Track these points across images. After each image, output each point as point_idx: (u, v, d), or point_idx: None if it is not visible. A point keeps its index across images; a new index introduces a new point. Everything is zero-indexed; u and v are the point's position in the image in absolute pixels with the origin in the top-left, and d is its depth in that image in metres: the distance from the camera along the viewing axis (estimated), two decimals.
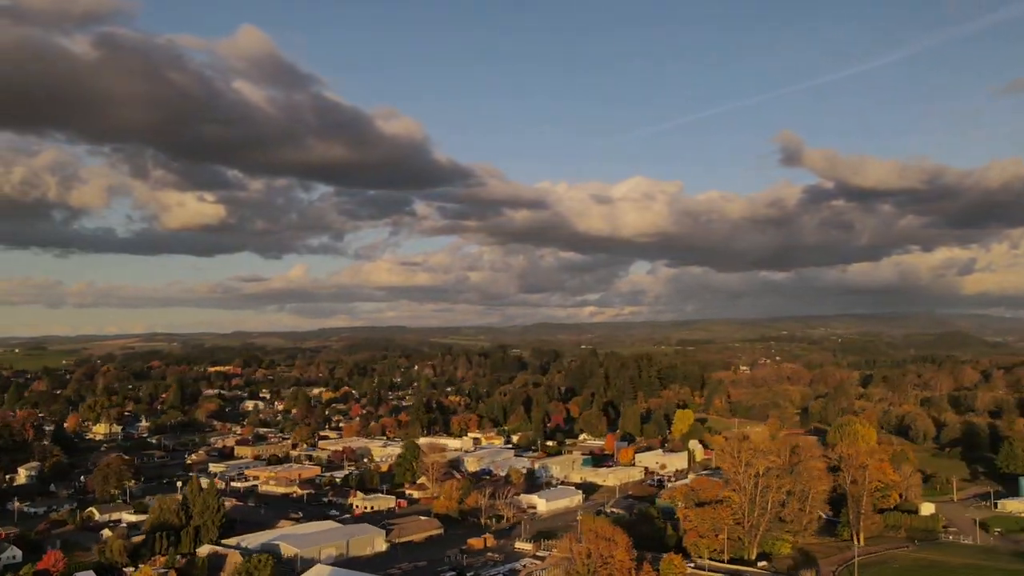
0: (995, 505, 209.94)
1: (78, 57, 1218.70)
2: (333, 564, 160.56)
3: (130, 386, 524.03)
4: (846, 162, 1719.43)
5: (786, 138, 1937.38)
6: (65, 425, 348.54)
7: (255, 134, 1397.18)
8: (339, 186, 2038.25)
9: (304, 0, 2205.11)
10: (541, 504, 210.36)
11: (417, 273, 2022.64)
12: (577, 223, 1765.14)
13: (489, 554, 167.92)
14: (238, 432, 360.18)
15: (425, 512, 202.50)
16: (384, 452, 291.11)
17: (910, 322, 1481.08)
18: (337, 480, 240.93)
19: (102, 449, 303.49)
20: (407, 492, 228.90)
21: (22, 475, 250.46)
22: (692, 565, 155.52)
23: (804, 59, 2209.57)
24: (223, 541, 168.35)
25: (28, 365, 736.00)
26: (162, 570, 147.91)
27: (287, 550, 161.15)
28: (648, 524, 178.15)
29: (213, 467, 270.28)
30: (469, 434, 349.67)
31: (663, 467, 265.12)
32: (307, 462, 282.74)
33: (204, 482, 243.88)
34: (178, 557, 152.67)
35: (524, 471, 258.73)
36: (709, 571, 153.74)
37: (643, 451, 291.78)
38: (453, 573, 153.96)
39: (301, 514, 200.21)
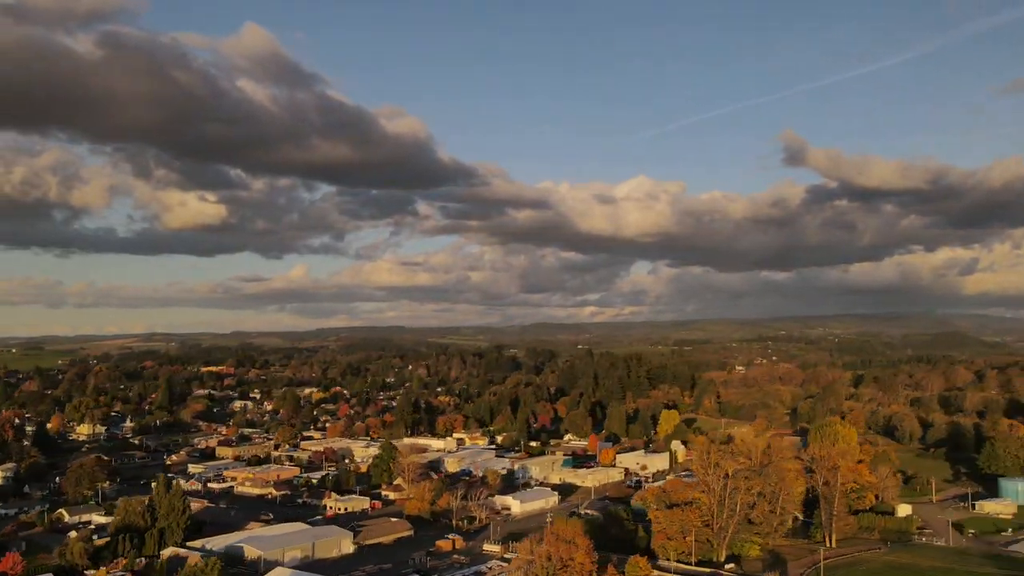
0: (973, 506, 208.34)
1: (81, 56, 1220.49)
2: (297, 566, 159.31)
3: (122, 386, 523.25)
4: (850, 162, 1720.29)
5: (789, 138, 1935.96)
6: (49, 425, 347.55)
7: (258, 133, 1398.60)
8: (341, 186, 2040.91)
9: None
10: (515, 505, 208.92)
11: (418, 273, 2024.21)
12: (579, 223, 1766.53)
13: (455, 556, 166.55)
14: (223, 433, 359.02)
15: (399, 513, 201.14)
16: (366, 453, 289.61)
17: (910, 322, 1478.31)
18: (313, 481, 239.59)
19: (83, 450, 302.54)
20: (383, 493, 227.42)
21: None
22: (659, 567, 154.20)
23: (807, 60, 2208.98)
24: (188, 543, 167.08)
25: (24, 365, 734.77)
26: (121, 573, 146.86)
27: (250, 552, 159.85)
28: (618, 526, 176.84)
29: (192, 468, 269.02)
30: (455, 435, 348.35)
31: (644, 468, 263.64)
32: (287, 463, 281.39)
33: (183, 483, 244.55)
34: (138, 560, 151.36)
35: (504, 472, 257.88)
36: (674, 573, 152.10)
37: (626, 452, 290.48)
38: (417, 575, 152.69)
39: (272, 516, 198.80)
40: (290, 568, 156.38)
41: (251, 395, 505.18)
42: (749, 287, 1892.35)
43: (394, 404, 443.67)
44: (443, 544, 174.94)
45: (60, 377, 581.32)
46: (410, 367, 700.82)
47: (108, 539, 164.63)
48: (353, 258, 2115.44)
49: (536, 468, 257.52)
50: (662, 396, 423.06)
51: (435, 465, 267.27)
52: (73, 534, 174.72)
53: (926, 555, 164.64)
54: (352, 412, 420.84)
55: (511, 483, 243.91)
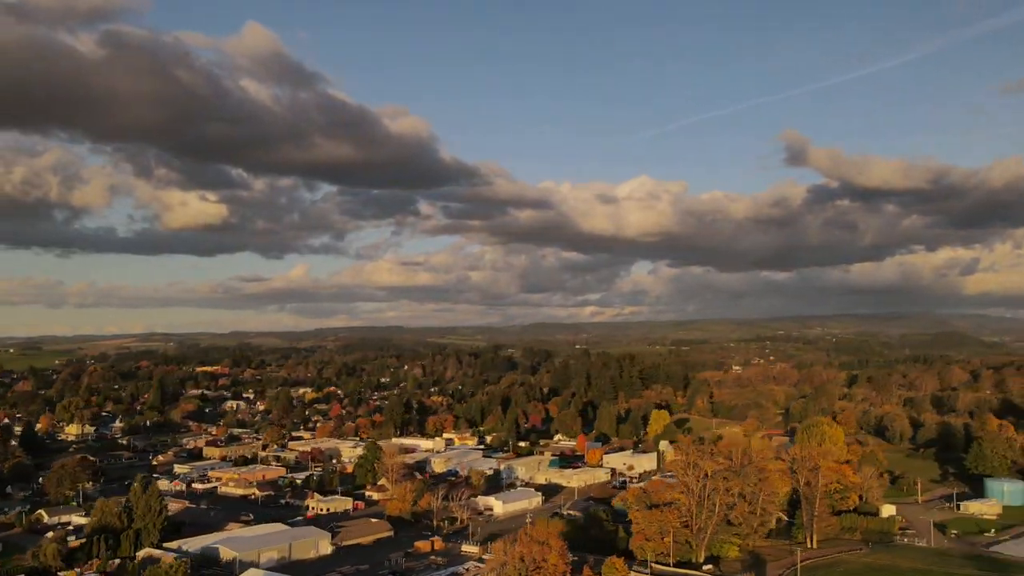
0: (957, 507, 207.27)
1: (84, 55, 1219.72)
2: (273, 568, 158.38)
3: (116, 386, 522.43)
4: (851, 161, 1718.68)
5: (790, 137, 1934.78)
6: (38, 426, 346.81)
7: (260, 133, 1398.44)
8: (343, 185, 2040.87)
9: None
10: (498, 506, 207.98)
11: (418, 273, 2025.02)
12: (581, 223, 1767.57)
13: (432, 557, 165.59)
14: (212, 433, 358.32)
15: (382, 514, 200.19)
16: (354, 453, 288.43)
17: (910, 322, 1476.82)
18: (297, 482, 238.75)
19: (71, 450, 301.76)
20: (367, 494, 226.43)
21: None
22: (637, 568, 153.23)
23: (808, 61, 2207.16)
24: (165, 544, 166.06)
25: (20, 365, 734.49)
26: (94, 574, 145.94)
27: (226, 553, 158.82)
28: (598, 527, 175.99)
29: (178, 468, 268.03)
30: (445, 435, 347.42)
31: (631, 468, 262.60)
32: (274, 463, 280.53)
33: (167, 483, 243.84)
34: (110, 561, 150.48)
35: (490, 472, 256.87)
36: (651, 574, 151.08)
37: (615, 452, 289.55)
38: None
39: (251, 516, 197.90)
40: (265, 569, 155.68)
41: (244, 395, 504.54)
42: (749, 287, 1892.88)
43: (387, 404, 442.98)
44: (422, 545, 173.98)
45: (54, 377, 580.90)
46: (406, 367, 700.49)
47: (83, 540, 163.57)
48: (354, 258, 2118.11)
49: (522, 468, 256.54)
50: (655, 396, 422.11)
51: (422, 465, 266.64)
52: (51, 535, 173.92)
53: (906, 556, 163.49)
54: (344, 412, 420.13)
55: (497, 484, 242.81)
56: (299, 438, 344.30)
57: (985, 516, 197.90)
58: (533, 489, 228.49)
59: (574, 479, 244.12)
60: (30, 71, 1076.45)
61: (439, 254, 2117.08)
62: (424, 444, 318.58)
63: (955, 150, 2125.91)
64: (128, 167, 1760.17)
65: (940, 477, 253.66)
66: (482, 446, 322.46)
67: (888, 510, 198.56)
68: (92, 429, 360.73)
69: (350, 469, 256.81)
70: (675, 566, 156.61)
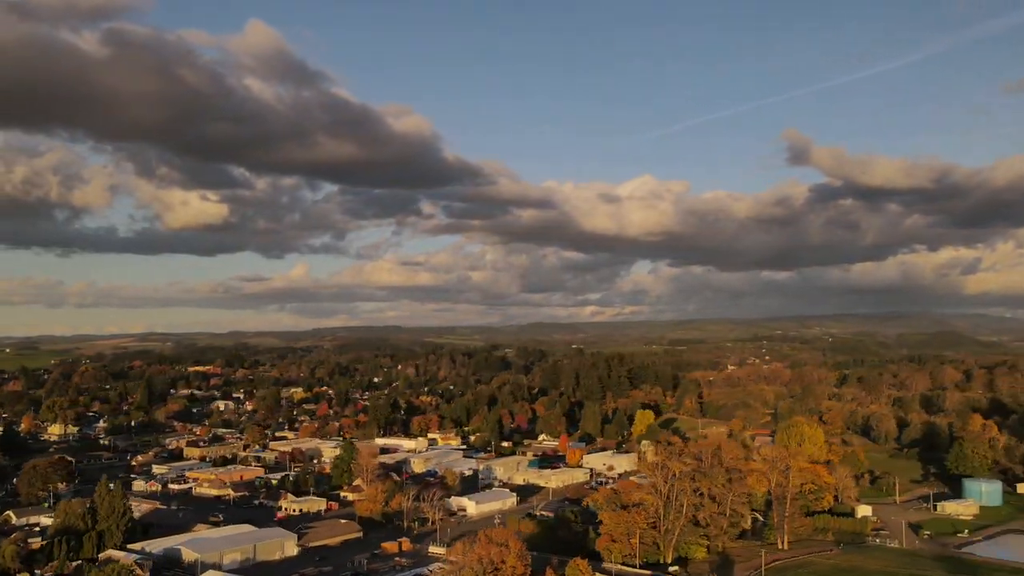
0: (934, 507, 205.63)
1: (86, 54, 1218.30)
2: (236, 569, 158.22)
3: (107, 386, 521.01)
4: (853, 161, 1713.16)
5: (792, 136, 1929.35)
6: (21, 426, 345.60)
7: (263, 132, 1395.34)
8: (345, 185, 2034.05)
9: None
10: (471, 507, 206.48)
11: (419, 273, 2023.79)
12: (583, 222, 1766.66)
13: (397, 558, 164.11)
14: (197, 433, 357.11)
15: (354, 515, 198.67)
16: (334, 453, 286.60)
17: (909, 322, 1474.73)
18: (273, 482, 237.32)
19: (51, 450, 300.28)
20: (342, 494, 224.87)
21: None
22: (602, 570, 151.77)
23: (812, 61, 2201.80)
24: (129, 546, 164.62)
25: (14, 365, 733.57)
26: None
27: (188, 555, 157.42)
28: (566, 528, 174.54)
29: (156, 468, 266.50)
30: (430, 435, 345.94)
31: (611, 468, 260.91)
32: (254, 463, 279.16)
33: (143, 483, 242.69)
34: (68, 563, 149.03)
35: (469, 472, 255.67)
36: None
37: (596, 452, 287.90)
38: None
39: (221, 517, 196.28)
40: (228, 571, 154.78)
41: (234, 395, 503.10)
42: (750, 287, 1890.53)
43: (379, 404, 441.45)
44: (389, 546, 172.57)
45: (45, 377, 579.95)
46: (399, 367, 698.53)
47: (45, 542, 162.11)
48: (354, 258, 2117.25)
49: (500, 469, 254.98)
50: (643, 396, 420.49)
51: (401, 466, 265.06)
52: (14, 536, 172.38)
53: (876, 557, 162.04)
54: (331, 412, 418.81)
55: (475, 484, 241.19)
56: (283, 438, 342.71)
57: (961, 517, 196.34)
58: (508, 490, 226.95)
59: (552, 479, 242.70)
60: (32, 70, 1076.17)
61: (440, 254, 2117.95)
62: (407, 444, 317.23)
63: (957, 150, 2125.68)
64: (129, 166, 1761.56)
65: (922, 477, 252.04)
66: (465, 446, 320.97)
67: (864, 511, 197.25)
68: (75, 429, 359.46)
69: (328, 470, 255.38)
70: (642, 567, 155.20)
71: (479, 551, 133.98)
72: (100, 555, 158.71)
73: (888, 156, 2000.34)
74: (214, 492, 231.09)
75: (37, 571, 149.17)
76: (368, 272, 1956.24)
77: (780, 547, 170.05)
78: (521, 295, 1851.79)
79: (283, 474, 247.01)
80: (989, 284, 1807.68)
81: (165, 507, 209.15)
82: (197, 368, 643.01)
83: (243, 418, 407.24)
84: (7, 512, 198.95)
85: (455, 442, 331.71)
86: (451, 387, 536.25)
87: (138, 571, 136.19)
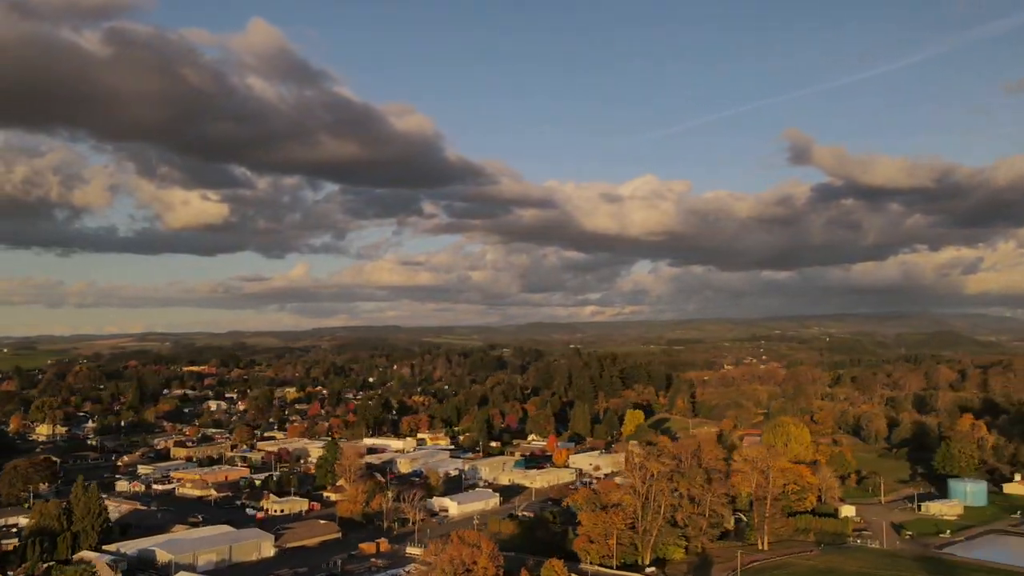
0: (919, 507, 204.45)
1: (88, 53, 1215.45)
2: (211, 571, 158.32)
3: (101, 386, 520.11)
4: (855, 160, 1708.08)
5: (794, 136, 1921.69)
6: (9, 426, 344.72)
7: (265, 131, 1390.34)
8: (346, 184, 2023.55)
9: None
10: (453, 507, 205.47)
11: (419, 272, 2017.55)
12: (584, 222, 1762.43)
13: (373, 559, 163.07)
14: (186, 433, 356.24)
15: (335, 515, 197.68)
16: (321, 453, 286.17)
17: (909, 322, 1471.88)
18: (257, 483, 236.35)
19: (37, 451, 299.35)
20: (325, 495, 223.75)
21: None
22: (579, 571, 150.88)
23: (815, 63, 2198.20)
24: (104, 547, 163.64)
25: (11, 365, 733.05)
26: None
27: (162, 556, 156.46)
28: (544, 528, 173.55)
29: (142, 469, 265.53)
30: (419, 435, 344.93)
31: (597, 468, 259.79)
32: (240, 463, 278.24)
33: (126, 484, 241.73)
34: (39, 564, 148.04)
35: (455, 472, 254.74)
36: None
37: (584, 452, 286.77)
38: None
39: (200, 518, 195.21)
40: (202, 572, 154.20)
41: (227, 395, 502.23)
42: (751, 287, 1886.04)
43: (369, 404, 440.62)
44: (366, 547, 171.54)
45: (40, 377, 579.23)
46: (395, 367, 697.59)
47: (17, 543, 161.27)
48: (354, 257, 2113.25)
49: (486, 469, 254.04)
50: (635, 396, 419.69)
51: (388, 466, 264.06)
52: None
53: (856, 558, 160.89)
54: (323, 412, 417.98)
55: (460, 484, 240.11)
56: (271, 438, 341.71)
57: (945, 517, 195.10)
58: (491, 490, 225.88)
59: (537, 480, 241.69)
60: (33, 69, 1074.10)
61: (440, 254, 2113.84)
62: (395, 444, 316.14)
63: (958, 150, 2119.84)
64: (130, 166, 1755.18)
65: (909, 477, 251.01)
66: (453, 447, 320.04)
67: (847, 511, 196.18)
68: (64, 429, 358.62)
69: (314, 470, 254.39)
70: (619, 568, 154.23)
71: (451, 552, 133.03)
72: (74, 556, 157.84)
73: (889, 156, 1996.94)
74: (197, 493, 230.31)
75: (9, 572, 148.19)
76: (368, 272, 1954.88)
77: (760, 548, 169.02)
78: (521, 295, 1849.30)
79: (267, 474, 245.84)
80: (990, 284, 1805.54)
81: (145, 508, 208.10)
82: (192, 368, 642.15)
83: (234, 418, 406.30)
84: None
85: (444, 442, 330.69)
86: (446, 387, 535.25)
87: (101, 572, 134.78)
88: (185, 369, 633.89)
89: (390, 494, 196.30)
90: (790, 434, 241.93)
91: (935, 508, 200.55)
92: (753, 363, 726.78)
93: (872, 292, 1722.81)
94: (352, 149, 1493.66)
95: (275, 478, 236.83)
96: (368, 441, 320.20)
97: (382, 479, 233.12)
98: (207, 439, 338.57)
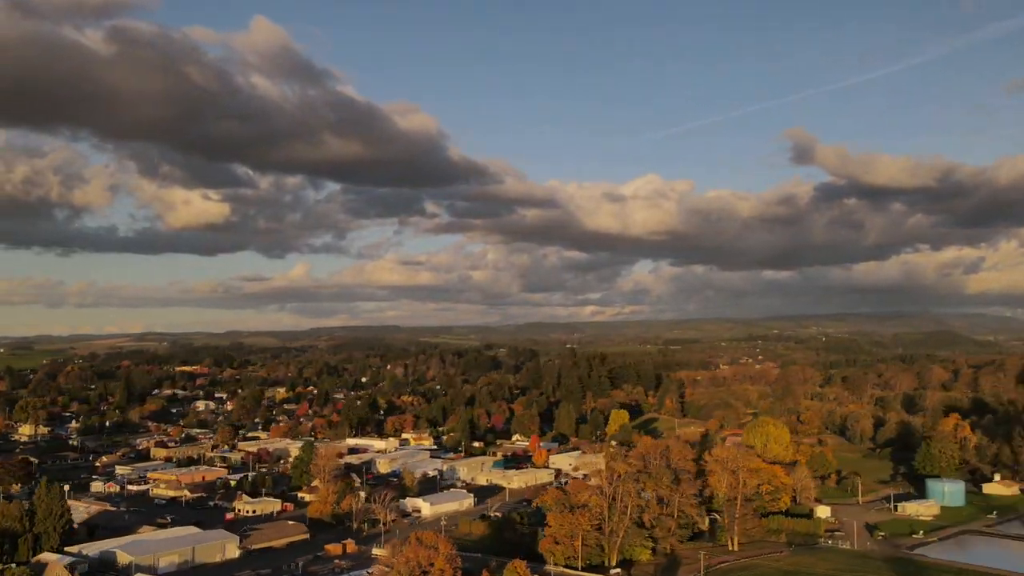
0: (895, 508, 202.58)
1: (92, 52, 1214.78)
2: (173, 572, 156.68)
3: (92, 386, 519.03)
4: (857, 160, 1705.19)
5: (797, 135, 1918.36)
6: None
7: (268, 130, 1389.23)
8: (348, 184, 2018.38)
9: None
10: (426, 508, 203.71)
11: (420, 272, 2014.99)
12: (586, 221, 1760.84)
13: (336, 561, 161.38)
14: (169, 433, 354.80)
15: (305, 516, 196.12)
16: None
17: (909, 322, 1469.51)
18: (232, 483, 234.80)
19: (16, 451, 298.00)
20: (300, 495, 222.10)
21: None
22: (544, 572, 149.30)
23: (818, 64, 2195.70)
24: (66, 548, 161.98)
25: (4, 365, 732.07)
26: None
27: (123, 557, 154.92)
28: (511, 529, 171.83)
29: (120, 469, 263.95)
30: (404, 435, 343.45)
31: (576, 469, 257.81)
32: (220, 464, 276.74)
33: (97, 485, 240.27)
34: None
35: (434, 473, 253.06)
36: None
37: (567, 452, 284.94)
38: None
39: (169, 519, 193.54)
40: (163, 574, 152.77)
41: (217, 395, 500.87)
42: (752, 287, 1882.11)
43: (355, 404, 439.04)
44: (332, 548, 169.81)
45: (31, 377, 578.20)
46: (388, 367, 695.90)
47: None
48: (355, 257, 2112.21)
49: (464, 469, 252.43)
50: (623, 396, 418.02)
51: (368, 466, 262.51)
52: None
53: (825, 559, 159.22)
54: (311, 412, 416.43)
55: (436, 485, 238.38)
56: (255, 438, 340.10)
57: (921, 517, 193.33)
58: (465, 490, 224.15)
59: (515, 480, 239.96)
60: (35, 68, 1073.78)
61: (441, 253, 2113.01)
62: (377, 444, 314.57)
63: (960, 150, 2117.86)
64: (132, 165, 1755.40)
65: (890, 477, 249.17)
66: (437, 447, 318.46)
67: (823, 512, 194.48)
68: (47, 430, 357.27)
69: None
70: (585, 570, 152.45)
71: (408, 553, 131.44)
72: (34, 558, 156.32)
73: (891, 156, 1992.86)
74: (171, 493, 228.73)
75: None
76: (369, 272, 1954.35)
77: (731, 549, 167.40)
78: (521, 295, 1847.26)
79: (241, 475, 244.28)
80: (991, 284, 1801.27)
81: (115, 509, 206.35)
82: (184, 368, 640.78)
83: (220, 418, 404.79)
84: None
85: (428, 442, 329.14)
86: (437, 387, 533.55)
87: (58, 574, 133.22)
88: (177, 369, 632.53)
89: (362, 495, 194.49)
90: (769, 434, 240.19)
91: (911, 508, 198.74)
92: (749, 363, 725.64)
93: (873, 292, 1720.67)
94: (355, 148, 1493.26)
95: (249, 479, 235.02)
96: (351, 441, 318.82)
97: (357, 479, 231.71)
98: (190, 439, 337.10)
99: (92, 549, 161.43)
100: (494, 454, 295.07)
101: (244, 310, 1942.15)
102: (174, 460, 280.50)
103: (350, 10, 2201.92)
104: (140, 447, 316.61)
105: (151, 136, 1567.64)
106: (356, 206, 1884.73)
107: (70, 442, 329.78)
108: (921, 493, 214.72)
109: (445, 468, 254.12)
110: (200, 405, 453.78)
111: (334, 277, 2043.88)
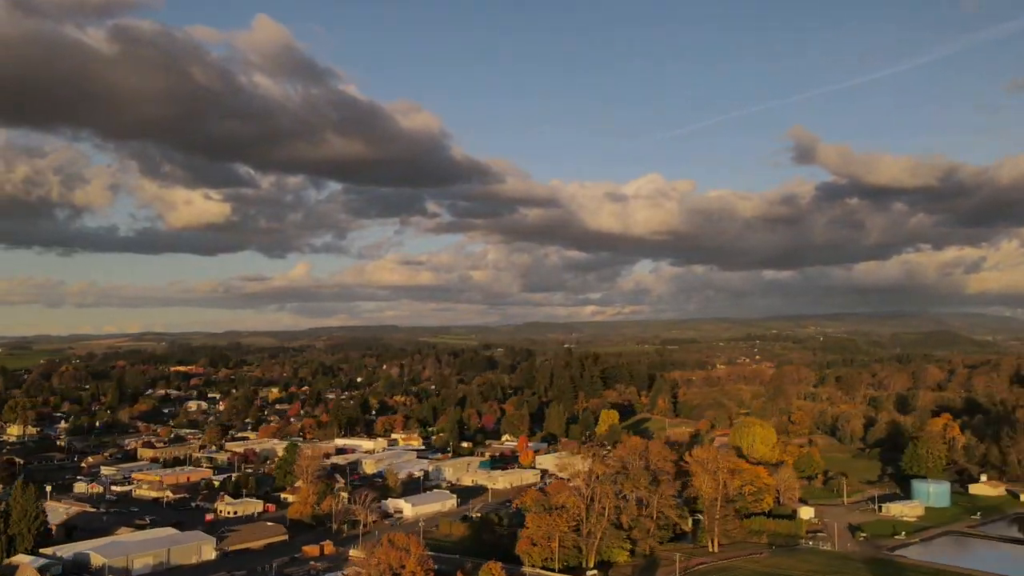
0: (879, 508, 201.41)
1: (94, 51, 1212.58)
2: (148, 574, 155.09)
3: (86, 386, 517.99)
4: (860, 159, 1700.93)
5: (799, 134, 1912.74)
6: None
7: (270, 129, 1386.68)
8: (350, 183, 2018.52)
9: None
10: (407, 508, 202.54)
11: (420, 272, 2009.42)
12: (588, 221, 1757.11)
13: (312, 563, 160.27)
14: (159, 433, 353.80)
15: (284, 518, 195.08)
16: None
17: (908, 321, 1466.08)
18: (216, 484, 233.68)
19: (3, 452, 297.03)
20: (283, 496, 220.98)
21: None
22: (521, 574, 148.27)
23: (819, 65, 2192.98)
24: (40, 550, 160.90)
25: (2, 365, 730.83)
26: None
27: (96, 559, 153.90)
28: (489, 530, 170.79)
29: (105, 470, 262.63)
30: (393, 435, 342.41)
31: (562, 469, 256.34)
32: (206, 464, 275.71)
33: (81, 486, 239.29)
34: None
35: (420, 473, 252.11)
36: None
37: (555, 452, 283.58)
38: None
39: (148, 520, 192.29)
40: None
41: (210, 395, 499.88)
42: (752, 286, 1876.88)
43: (345, 404, 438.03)
44: (310, 549, 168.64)
45: (25, 377, 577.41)
46: (384, 366, 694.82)
47: None
48: (356, 257, 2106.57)
49: (450, 470, 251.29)
50: (616, 396, 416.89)
51: (354, 467, 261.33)
52: None
53: (806, 560, 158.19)
54: (303, 412, 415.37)
55: (419, 486, 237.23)
56: (244, 438, 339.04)
57: (905, 518, 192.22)
58: (449, 491, 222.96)
59: (500, 481, 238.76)
60: (37, 67, 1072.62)
61: (441, 253, 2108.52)
62: (365, 445, 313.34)
63: (962, 150, 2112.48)
64: (133, 164, 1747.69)
65: (878, 478, 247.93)
66: (426, 447, 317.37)
67: (806, 512, 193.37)
68: (35, 430, 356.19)
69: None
70: (562, 571, 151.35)
71: (379, 555, 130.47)
72: (7, 560, 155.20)
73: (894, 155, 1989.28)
74: (153, 494, 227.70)
75: None
76: (369, 272, 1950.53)
77: (711, 550, 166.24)
78: (522, 295, 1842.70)
79: (226, 476, 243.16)
80: (991, 283, 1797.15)
81: (95, 510, 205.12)
82: (179, 368, 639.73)
83: (210, 419, 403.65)
84: None
85: (417, 443, 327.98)
86: (432, 387, 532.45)
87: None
88: (172, 369, 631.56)
89: (343, 495, 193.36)
90: (755, 434, 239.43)
91: (895, 509, 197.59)
92: (746, 363, 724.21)
93: (874, 292, 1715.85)
94: (357, 148, 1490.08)
95: (232, 479, 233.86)
96: (339, 441, 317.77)
97: (341, 480, 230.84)
98: (179, 439, 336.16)
99: (67, 551, 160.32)
100: (482, 454, 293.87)
101: (244, 310, 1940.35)
102: (160, 461, 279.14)
103: (353, 9, 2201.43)
104: (128, 447, 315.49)
105: (153, 136, 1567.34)
106: (357, 206, 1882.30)
107: (58, 442, 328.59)
108: (907, 494, 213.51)
109: (431, 469, 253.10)
110: (192, 405, 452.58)
111: (334, 277, 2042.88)
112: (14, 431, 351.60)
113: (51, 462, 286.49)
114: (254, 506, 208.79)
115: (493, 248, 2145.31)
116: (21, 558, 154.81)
